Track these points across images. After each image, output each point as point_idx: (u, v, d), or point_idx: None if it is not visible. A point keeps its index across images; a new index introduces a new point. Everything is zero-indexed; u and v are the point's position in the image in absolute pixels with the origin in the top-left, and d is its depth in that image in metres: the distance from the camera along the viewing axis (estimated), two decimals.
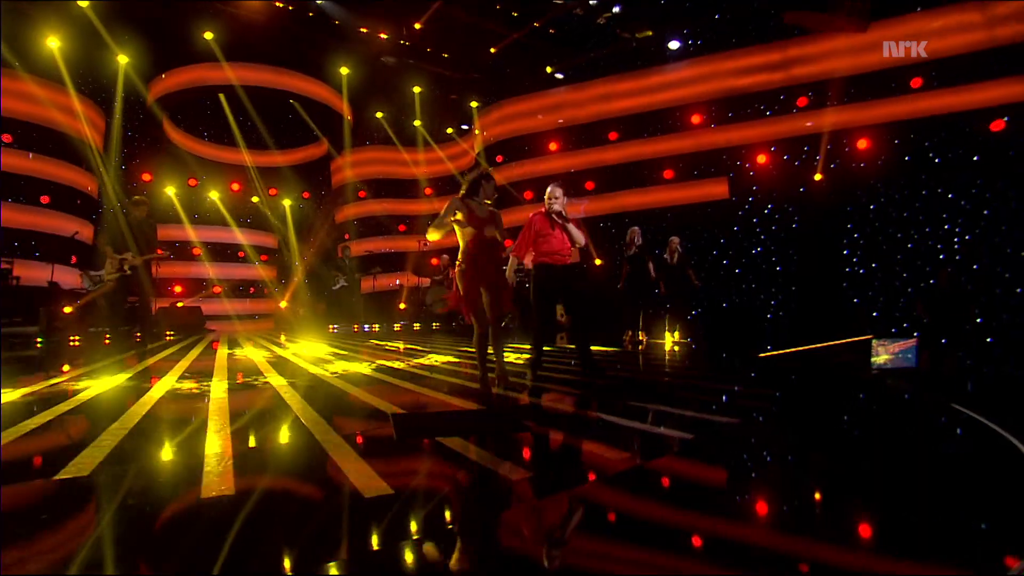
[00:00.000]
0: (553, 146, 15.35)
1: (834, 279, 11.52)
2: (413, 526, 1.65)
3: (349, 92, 16.97)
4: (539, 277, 4.27)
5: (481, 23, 11.79)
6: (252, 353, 7.67)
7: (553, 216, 4.28)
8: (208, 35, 13.62)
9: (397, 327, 15.18)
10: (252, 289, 19.12)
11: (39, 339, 9.00)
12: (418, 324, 14.76)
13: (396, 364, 5.93)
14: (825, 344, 7.87)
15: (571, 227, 4.28)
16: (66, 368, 5.72)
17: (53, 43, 12.38)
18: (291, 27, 12.86)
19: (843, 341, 8.09)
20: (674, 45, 12.84)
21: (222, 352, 7.85)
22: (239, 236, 18.81)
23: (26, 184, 13.28)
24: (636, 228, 9.69)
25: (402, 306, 16.19)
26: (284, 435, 2.82)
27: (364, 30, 13.37)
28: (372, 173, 19.58)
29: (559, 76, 14.46)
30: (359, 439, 2.68)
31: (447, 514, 1.76)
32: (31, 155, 13.34)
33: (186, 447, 2.58)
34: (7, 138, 13.09)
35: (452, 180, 19.51)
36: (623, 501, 1.88)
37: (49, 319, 9.31)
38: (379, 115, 18.57)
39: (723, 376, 4.84)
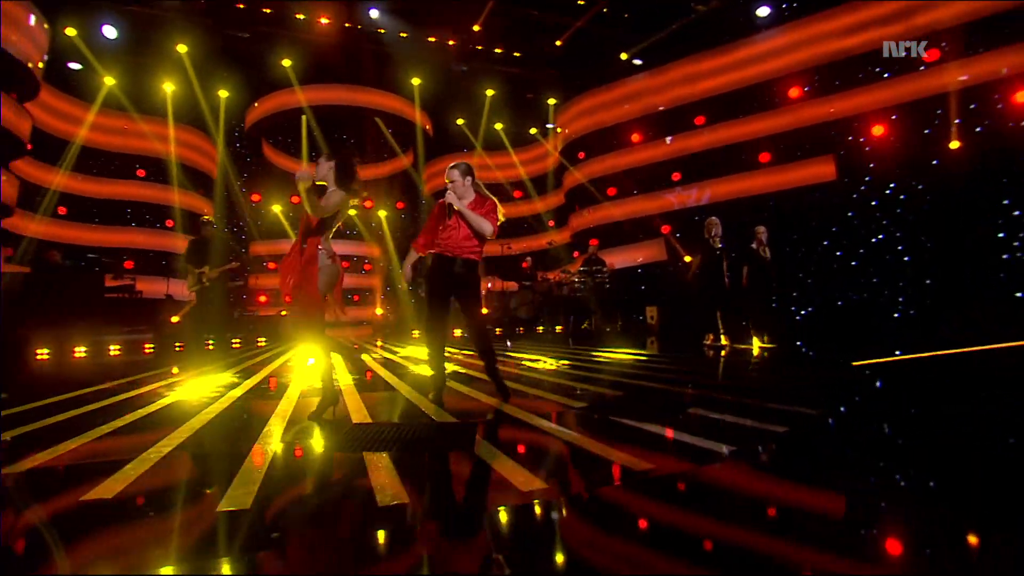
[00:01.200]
0: (635, 137, 14.54)
1: (986, 269, 9.55)
2: None
3: (429, 102, 17.51)
4: (429, 268, 3.67)
5: (543, 17, 11.45)
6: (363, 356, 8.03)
7: (449, 204, 3.57)
8: (286, 62, 14.75)
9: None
10: (356, 297, 20.39)
11: (150, 345, 10.20)
12: (499, 329, 14.73)
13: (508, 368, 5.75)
14: (975, 348, 6.43)
15: (472, 216, 3.55)
16: (175, 370, 6.24)
17: (168, 87, 14.15)
18: (364, 46, 13.47)
19: (1004, 345, 6.56)
20: (763, 12, 11.52)
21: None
22: (342, 247, 20.20)
23: (154, 210, 15.34)
24: (714, 218, 8.78)
25: (485, 311, 16.28)
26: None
27: (432, 39, 13.64)
28: None
29: (637, 62, 13.66)
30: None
31: None
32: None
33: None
34: (141, 172, 15.21)
35: (539, 181, 19.36)
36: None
37: (160, 327, 10.56)
38: (460, 122, 18.91)
39: (765, 390, 4.09)
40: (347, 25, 13.18)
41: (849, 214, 11.24)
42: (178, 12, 12.08)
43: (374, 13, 12.83)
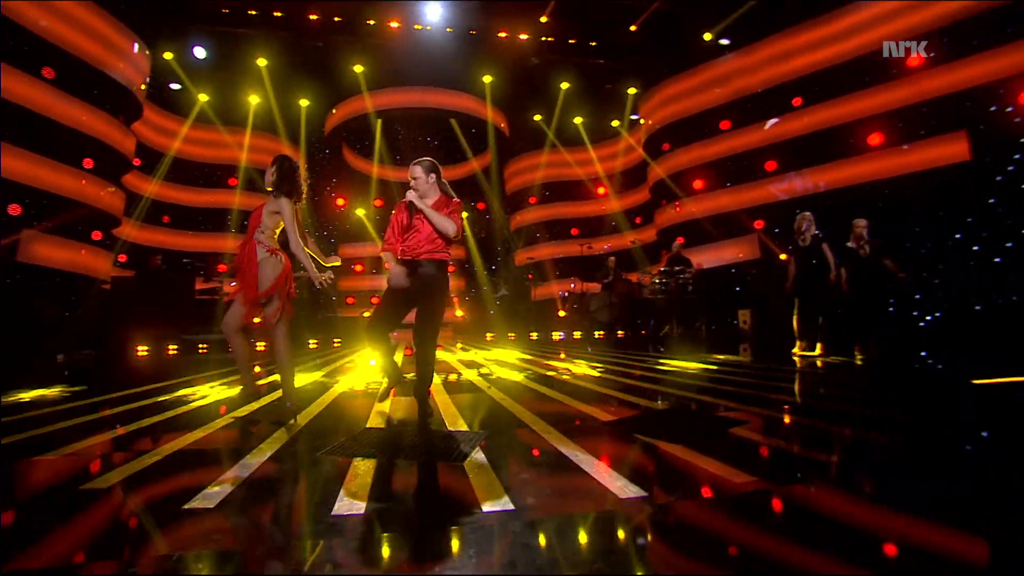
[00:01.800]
0: (724, 124, 13.41)
1: None
2: None
3: (503, 100, 17.36)
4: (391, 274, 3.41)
5: (615, 1, 10.81)
6: (446, 356, 8.08)
7: (410, 203, 3.37)
8: (358, 68, 15.20)
9: (556, 336, 14.82)
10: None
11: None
12: (579, 332, 14.18)
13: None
14: None
15: (434, 215, 3.33)
16: (258, 369, 6.55)
17: (253, 100, 15.11)
18: (434, 46, 13.54)
19: None
20: None
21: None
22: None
23: (246, 217, 16.46)
24: (807, 214, 7.77)
25: (561, 314, 15.79)
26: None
27: (503, 34, 13.42)
28: (541, 178, 19.75)
29: (724, 42, 12.56)
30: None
31: None
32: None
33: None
34: (232, 181, 16.39)
35: (623, 176, 18.59)
36: None
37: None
38: (536, 118, 18.59)
39: (832, 412, 3.34)
40: (416, 27, 13.31)
41: (991, 201, 9.51)
42: (257, 28, 12.81)
43: (441, 12, 12.84)
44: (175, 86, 14.29)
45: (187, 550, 1.60)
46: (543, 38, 13.75)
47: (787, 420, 3.23)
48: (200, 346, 10.92)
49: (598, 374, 5.53)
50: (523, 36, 13.74)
